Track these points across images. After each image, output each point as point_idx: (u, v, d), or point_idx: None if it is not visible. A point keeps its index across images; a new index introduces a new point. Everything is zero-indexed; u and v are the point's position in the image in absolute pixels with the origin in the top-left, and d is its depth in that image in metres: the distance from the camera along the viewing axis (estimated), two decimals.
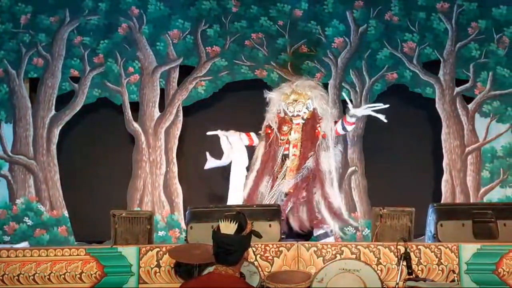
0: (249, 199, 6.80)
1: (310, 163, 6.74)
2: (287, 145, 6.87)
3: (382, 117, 6.81)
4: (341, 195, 7.02)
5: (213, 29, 8.33)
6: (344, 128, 6.96)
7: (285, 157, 6.85)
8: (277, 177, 6.79)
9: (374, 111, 6.86)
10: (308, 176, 6.74)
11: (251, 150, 7.10)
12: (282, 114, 6.95)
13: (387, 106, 6.86)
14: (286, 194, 6.74)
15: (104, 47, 8.31)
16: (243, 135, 7.11)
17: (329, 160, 6.79)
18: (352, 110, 6.82)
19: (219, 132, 7.07)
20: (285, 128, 6.91)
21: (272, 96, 7.04)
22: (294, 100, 6.93)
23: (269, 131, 6.95)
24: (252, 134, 7.11)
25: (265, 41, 8.31)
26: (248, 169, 6.98)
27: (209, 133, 7.11)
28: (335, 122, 6.98)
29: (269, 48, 8.30)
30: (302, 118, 6.91)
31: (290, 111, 6.92)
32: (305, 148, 6.80)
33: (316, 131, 6.86)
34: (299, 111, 6.89)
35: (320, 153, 6.78)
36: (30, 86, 8.39)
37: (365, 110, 6.90)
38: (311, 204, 6.69)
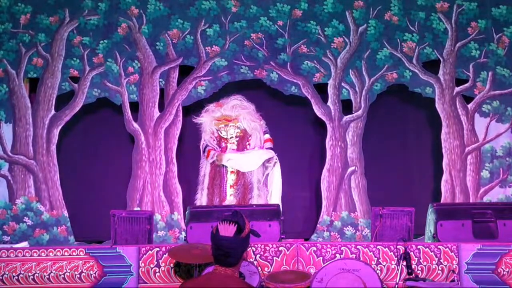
0: None
1: (241, 180, 7.24)
2: None
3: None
4: (266, 199, 7.28)
5: (212, 29, 8.33)
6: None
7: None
8: (225, 193, 7.27)
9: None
10: (240, 192, 7.22)
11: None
12: (216, 134, 7.42)
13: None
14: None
15: (103, 47, 8.31)
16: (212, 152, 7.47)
17: (258, 170, 7.26)
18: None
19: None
20: (223, 145, 7.39)
21: (203, 120, 7.48)
22: (225, 124, 7.37)
23: (209, 150, 7.39)
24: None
25: (265, 41, 8.30)
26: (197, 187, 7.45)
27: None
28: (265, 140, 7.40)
29: (268, 48, 8.30)
30: (236, 137, 7.37)
31: (223, 135, 7.39)
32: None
33: (246, 149, 7.35)
34: (232, 134, 7.37)
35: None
36: (29, 86, 8.39)
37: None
38: None
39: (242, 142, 7.37)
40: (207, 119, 7.43)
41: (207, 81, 8.28)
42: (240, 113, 7.36)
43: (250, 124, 7.35)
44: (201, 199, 7.32)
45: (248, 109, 7.40)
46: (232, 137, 7.34)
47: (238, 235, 4.10)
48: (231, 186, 7.25)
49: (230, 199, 7.20)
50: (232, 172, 7.27)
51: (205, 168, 7.42)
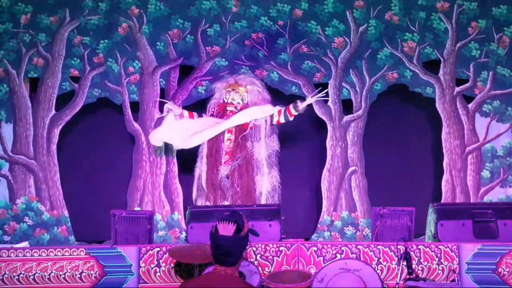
0: (208, 185, 7.19)
1: (244, 153, 7.18)
2: None
3: (323, 95, 7.43)
4: (271, 180, 7.21)
5: (213, 29, 8.33)
6: (286, 118, 7.26)
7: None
8: (221, 160, 7.22)
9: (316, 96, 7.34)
10: (241, 165, 7.15)
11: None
12: (221, 101, 7.37)
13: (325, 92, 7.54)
14: (227, 177, 7.18)
15: (104, 47, 8.31)
16: (185, 111, 7.48)
17: (259, 149, 7.18)
18: (300, 106, 7.17)
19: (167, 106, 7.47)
20: (224, 114, 7.31)
21: (217, 85, 7.49)
22: (233, 89, 7.34)
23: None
24: (194, 113, 7.49)
25: (265, 41, 8.31)
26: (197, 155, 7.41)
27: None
28: (279, 112, 7.25)
29: (269, 48, 8.30)
30: (235, 108, 7.29)
31: (226, 98, 7.34)
32: (238, 135, 7.21)
33: (245, 122, 7.23)
34: (233, 100, 7.31)
35: (251, 143, 7.20)
36: (30, 86, 8.39)
37: (309, 102, 7.31)
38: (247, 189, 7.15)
39: None
40: (220, 85, 7.45)
41: (207, 81, 8.28)
42: (250, 87, 7.35)
43: (254, 99, 7.31)
44: (201, 167, 7.31)
45: (260, 89, 7.38)
46: (232, 102, 7.28)
47: (237, 234, 4.10)
48: (226, 153, 7.20)
49: (224, 167, 7.16)
50: (228, 139, 7.22)
51: None
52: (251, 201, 7.03)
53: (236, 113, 7.25)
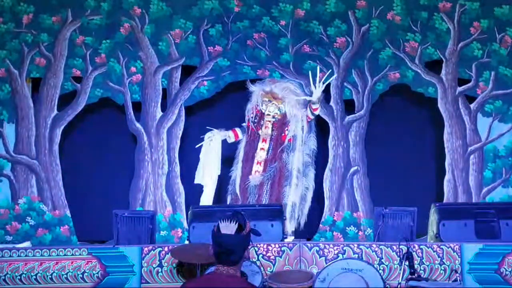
0: (241, 190, 7.13)
1: (276, 164, 7.11)
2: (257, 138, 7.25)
3: (332, 77, 7.59)
4: (303, 192, 7.15)
5: (215, 29, 8.34)
6: (312, 114, 7.23)
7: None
8: (251, 168, 7.16)
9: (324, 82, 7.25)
10: (274, 176, 7.09)
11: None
12: (258, 108, 7.27)
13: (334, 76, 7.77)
14: (255, 186, 7.12)
15: (106, 47, 8.31)
16: (230, 132, 7.38)
17: (293, 160, 7.11)
18: (313, 99, 7.14)
19: (207, 135, 7.33)
20: (260, 122, 7.24)
21: (253, 89, 7.34)
22: (269, 100, 7.22)
23: (249, 123, 7.30)
24: (237, 129, 7.40)
25: (267, 41, 8.31)
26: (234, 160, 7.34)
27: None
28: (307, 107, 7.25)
29: (271, 47, 8.30)
30: (273, 117, 7.21)
31: (263, 108, 7.23)
32: (273, 146, 7.17)
33: (283, 134, 7.18)
34: (270, 112, 7.21)
35: (286, 154, 7.12)
36: (32, 86, 8.40)
37: (320, 89, 7.18)
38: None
39: (281, 127, 7.19)
40: (256, 89, 7.31)
41: (209, 81, 8.29)
42: (288, 96, 7.20)
43: (291, 111, 7.17)
44: (236, 171, 7.26)
45: (298, 97, 7.24)
46: (269, 114, 7.18)
47: (239, 233, 4.10)
48: (258, 163, 7.14)
49: (255, 176, 7.09)
50: (262, 149, 7.17)
51: (241, 142, 7.37)
52: None
53: (274, 122, 7.18)
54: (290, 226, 6.97)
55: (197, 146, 7.34)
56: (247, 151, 7.23)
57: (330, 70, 7.76)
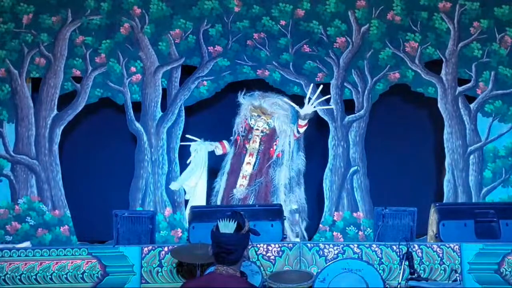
0: (224, 202, 7.20)
1: (262, 178, 7.19)
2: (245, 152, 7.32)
3: (329, 106, 7.79)
4: (286, 207, 7.14)
5: (215, 29, 8.33)
6: (298, 132, 7.32)
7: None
8: (236, 182, 7.22)
9: (320, 104, 7.39)
10: (260, 191, 7.16)
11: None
12: (246, 122, 7.35)
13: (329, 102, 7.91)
14: (239, 200, 7.16)
15: (106, 47, 8.31)
16: (218, 144, 7.50)
17: (280, 175, 7.20)
18: (301, 112, 7.21)
19: (192, 147, 7.48)
20: (250, 136, 7.31)
21: (242, 102, 7.41)
22: (258, 115, 7.32)
23: (237, 137, 7.38)
24: (225, 142, 7.52)
25: (267, 41, 8.31)
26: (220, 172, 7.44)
27: (183, 143, 7.75)
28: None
29: (271, 48, 8.30)
30: (262, 132, 7.29)
31: (252, 123, 7.32)
32: (260, 160, 7.25)
33: (271, 149, 7.28)
34: (259, 126, 7.30)
35: (273, 169, 7.21)
36: (32, 86, 8.40)
37: (311, 108, 7.26)
38: None
39: (269, 142, 7.27)
40: (246, 103, 7.39)
41: (209, 81, 8.28)
42: (276, 111, 7.29)
43: (281, 126, 7.26)
44: (220, 183, 7.33)
45: (286, 112, 7.32)
46: (258, 129, 7.26)
47: (238, 232, 4.10)
48: (243, 176, 7.19)
49: (239, 189, 7.15)
50: (248, 163, 7.23)
51: (228, 154, 7.44)
52: None
53: (262, 137, 7.25)
54: None
55: (182, 143, 7.56)
56: (233, 163, 7.30)
57: (328, 96, 7.92)
